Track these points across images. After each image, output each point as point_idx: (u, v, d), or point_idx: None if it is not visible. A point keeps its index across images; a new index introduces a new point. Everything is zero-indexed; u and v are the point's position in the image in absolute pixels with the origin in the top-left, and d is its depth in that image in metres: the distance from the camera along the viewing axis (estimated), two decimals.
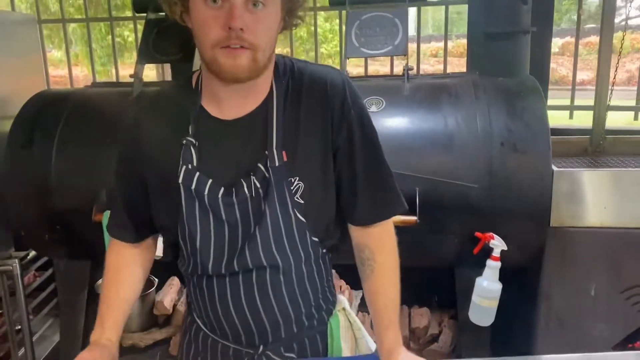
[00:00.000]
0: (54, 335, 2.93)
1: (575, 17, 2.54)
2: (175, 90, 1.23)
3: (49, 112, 2.40)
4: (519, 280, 2.17)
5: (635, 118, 3.12)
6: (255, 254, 1.12)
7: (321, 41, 9.94)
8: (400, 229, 2.01)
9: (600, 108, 2.67)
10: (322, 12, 5.78)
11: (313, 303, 1.22)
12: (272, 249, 1.13)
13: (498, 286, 2.05)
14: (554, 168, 2.08)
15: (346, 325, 1.31)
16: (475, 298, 2.09)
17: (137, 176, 1.19)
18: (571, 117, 3.32)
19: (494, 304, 2.06)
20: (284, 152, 1.10)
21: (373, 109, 2.17)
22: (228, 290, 1.17)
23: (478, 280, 2.08)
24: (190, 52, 2.50)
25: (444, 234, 2.16)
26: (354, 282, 2.62)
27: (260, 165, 1.10)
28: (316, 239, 1.17)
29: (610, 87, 2.60)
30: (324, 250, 1.22)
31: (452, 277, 2.37)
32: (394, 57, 3.27)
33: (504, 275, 2.05)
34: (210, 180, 1.11)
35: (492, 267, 2.05)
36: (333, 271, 2.51)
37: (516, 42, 2.32)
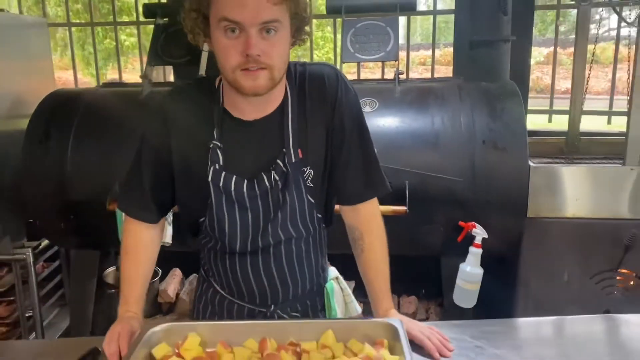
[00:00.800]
0: (61, 323, 3.08)
1: (561, 28, 2.75)
2: (200, 89, 1.34)
3: (64, 109, 2.56)
4: (500, 267, 2.35)
5: (609, 122, 3.35)
6: (275, 232, 1.31)
7: (313, 48, 10.13)
8: (390, 219, 2.22)
9: (575, 112, 2.89)
10: (314, 20, 5.97)
11: (314, 270, 1.42)
12: (288, 226, 1.32)
13: (480, 271, 2.24)
14: (531, 164, 2.28)
15: (338, 291, 1.52)
16: (459, 282, 2.28)
17: (165, 164, 1.31)
18: (550, 120, 3.55)
19: (476, 287, 2.25)
20: (299, 150, 1.27)
21: (367, 109, 2.36)
22: (248, 262, 1.35)
23: (462, 265, 2.27)
24: (196, 56, 2.68)
25: (431, 223, 2.35)
26: (345, 271, 2.79)
27: (279, 161, 1.27)
28: (320, 215, 1.36)
29: (583, 94, 2.82)
30: (323, 225, 1.41)
31: (438, 269, 2.56)
32: (385, 64, 3.48)
33: (486, 263, 2.24)
34: (235, 177, 1.27)
35: (474, 253, 2.24)
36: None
37: (497, 50, 2.53)
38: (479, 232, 2.23)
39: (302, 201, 1.30)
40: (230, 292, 1.42)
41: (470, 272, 2.25)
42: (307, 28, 1.26)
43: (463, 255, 2.28)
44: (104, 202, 2.36)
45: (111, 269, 2.85)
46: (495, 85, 2.46)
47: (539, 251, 2.34)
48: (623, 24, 2.74)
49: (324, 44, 10.10)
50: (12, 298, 2.73)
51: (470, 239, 2.26)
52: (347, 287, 1.56)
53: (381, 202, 2.17)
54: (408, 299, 2.93)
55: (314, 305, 1.45)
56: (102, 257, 2.79)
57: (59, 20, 8.76)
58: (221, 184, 1.27)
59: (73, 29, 4.00)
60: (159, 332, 1.21)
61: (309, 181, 1.30)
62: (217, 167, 1.26)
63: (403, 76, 2.58)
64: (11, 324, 2.78)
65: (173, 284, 3.02)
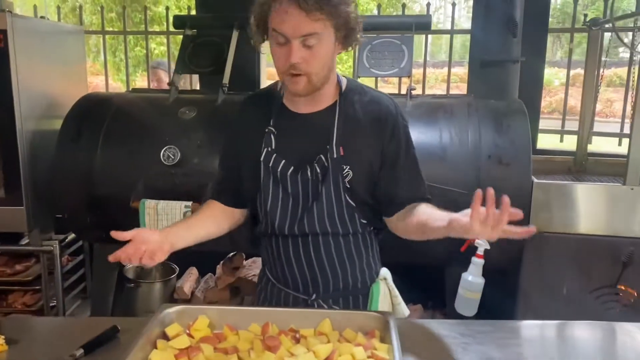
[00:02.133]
0: (82, 314, 3.23)
1: (585, 50, 2.84)
2: (265, 92, 1.63)
3: (95, 111, 2.73)
4: (501, 278, 2.43)
5: (619, 144, 3.42)
6: (312, 223, 1.48)
7: (336, 62, 10.31)
8: None
9: (583, 133, 2.96)
10: None
11: (357, 267, 1.56)
12: (324, 220, 1.48)
13: (481, 280, 2.32)
14: (534, 179, 2.37)
15: (385, 292, 1.63)
16: (461, 290, 2.37)
17: (235, 157, 1.58)
18: (562, 140, 3.62)
19: (477, 296, 2.34)
20: (341, 148, 1.45)
21: None
22: (290, 248, 1.52)
23: (464, 275, 2.36)
24: (220, 66, 2.83)
25: None
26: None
27: (322, 156, 1.45)
28: (364, 221, 1.52)
29: (592, 115, 2.90)
30: (372, 228, 1.57)
31: (443, 279, 2.65)
32: (402, 79, 3.60)
33: (488, 274, 2.33)
34: (283, 161, 1.47)
35: (476, 263, 2.32)
36: None
37: (506, 70, 2.64)
38: (482, 244, 2.32)
39: (339, 199, 1.47)
40: (277, 279, 1.59)
41: (472, 281, 2.33)
42: (356, 37, 1.43)
43: (466, 265, 2.37)
44: (128, 200, 2.52)
45: (131, 265, 3.00)
46: (503, 104, 2.56)
47: (540, 264, 2.42)
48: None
49: (347, 59, 10.30)
50: (38, 287, 2.89)
51: (473, 250, 2.35)
52: (395, 289, 1.66)
53: None
54: (413, 307, 3.02)
55: (356, 301, 1.58)
56: None
57: (93, 27, 9.11)
58: (271, 164, 1.47)
59: (106, 36, 4.21)
60: (172, 313, 1.35)
61: (346, 180, 1.46)
62: (270, 149, 1.48)
63: (417, 92, 2.70)
64: (36, 312, 2.93)
65: (189, 281, 3.16)
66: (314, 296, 1.54)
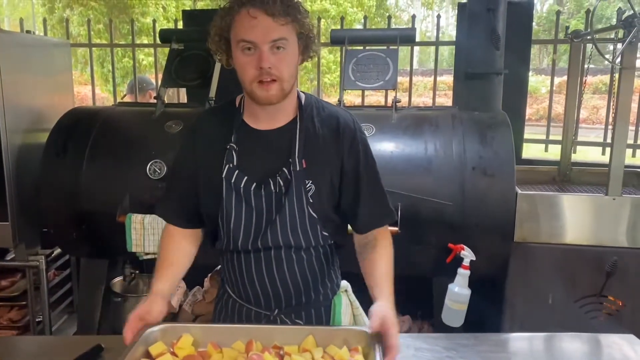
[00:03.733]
0: (69, 329, 3.20)
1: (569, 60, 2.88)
2: (223, 108, 1.59)
3: (81, 125, 2.73)
4: (487, 289, 2.45)
5: (603, 153, 3.46)
6: (275, 236, 1.48)
7: (324, 72, 10.36)
8: None
9: (567, 142, 3.00)
10: (325, 48, 6.18)
11: (319, 280, 1.56)
12: (288, 233, 1.48)
13: (467, 292, 2.34)
14: (518, 190, 2.40)
15: (347, 304, 1.65)
16: (447, 302, 2.38)
17: (192, 174, 1.53)
18: (546, 150, 3.66)
19: (464, 307, 2.35)
20: (303, 160, 1.46)
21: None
22: (252, 263, 1.51)
23: (450, 286, 2.37)
24: (207, 80, 2.84)
25: (422, 244, 2.46)
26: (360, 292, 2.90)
27: (284, 168, 1.46)
28: (326, 234, 1.52)
29: (575, 125, 2.94)
30: (332, 242, 1.56)
31: (430, 289, 2.66)
32: (388, 92, 3.63)
33: (474, 285, 2.34)
34: (246, 177, 1.47)
35: (463, 274, 2.34)
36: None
37: (490, 82, 2.67)
38: (467, 255, 2.34)
39: (302, 211, 1.47)
40: (239, 295, 1.58)
41: (458, 292, 2.35)
42: (314, 47, 1.47)
43: (453, 276, 2.38)
44: (114, 214, 2.51)
45: (118, 279, 2.98)
46: (487, 115, 2.59)
47: (525, 275, 2.44)
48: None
49: (335, 68, 10.34)
50: (24, 303, 2.87)
51: (459, 261, 2.37)
52: (356, 300, 1.68)
53: None
54: (402, 318, 3.02)
55: (318, 315, 1.58)
56: (110, 266, 2.92)
57: (81, 39, 9.09)
58: (233, 180, 1.46)
59: (93, 48, 4.21)
60: (157, 331, 1.35)
61: (309, 194, 1.46)
62: (231, 166, 1.47)
63: (402, 103, 2.72)
64: (22, 328, 2.91)
65: (177, 295, 3.15)
66: (275, 311, 1.54)
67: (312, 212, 1.48)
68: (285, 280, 1.52)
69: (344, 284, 1.68)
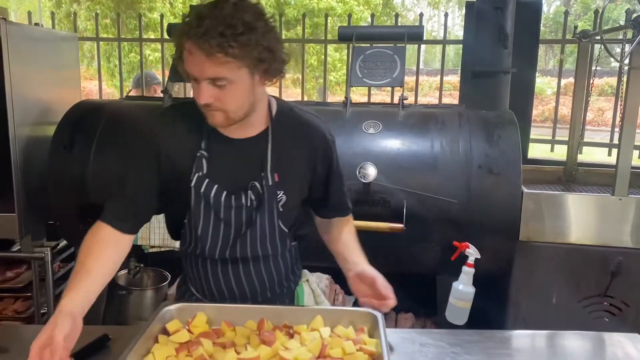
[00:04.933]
0: None
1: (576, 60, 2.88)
2: (190, 109, 1.41)
3: (88, 119, 2.74)
4: (491, 287, 2.45)
5: (609, 154, 3.45)
6: (244, 249, 1.47)
7: (330, 69, 10.36)
8: (388, 236, 2.35)
9: (573, 143, 3.00)
10: (332, 43, 6.18)
11: (284, 276, 1.58)
12: (257, 246, 1.48)
13: (472, 290, 2.34)
14: (524, 189, 2.39)
15: (309, 292, 1.68)
16: (451, 299, 2.38)
17: (150, 177, 1.41)
18: (552, 150, 3.65)
19: (468, 305, 2.35)
20: (276, 174, 1.43)
21: (371, 131, 2.51)
22: (219, 270, 1.51)
23: (454, 284, 2.37)
24: None
25: (427, 242, 2.46)
26: (347, 287, 2.90)
27: (256, 182, 1.42)
28: (294, 243, 1.56)
29: (582, 125, 2.93)
30: (293, 243, 1.59)
31: (434, 287, 2.66)
32: (394, 88, 3.63)
33: (478, 283, 2.34)
34: (216, 186, 1.41)
35: (467, 272, 2.34)
36: (328, 276, 2.81)
37: (497, 80, 2.66)
38: (472, 253, 2.34)
39: (272, 226, 1.46)
40: (203, 295, 1.57)
41: (462, 290, 2.35)
42: (279, 67, 1.34)
43: (457, 274, 2.38)
44: None
45: (123, 272, 2.99)
46: (494, 114, 2.59)
47: (530, 274, 2.44)
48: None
49: (341, 66, 10.35)
50: (29, 294, 2.88)
51: (463, 259, 2.37)
52: (318, 289, 1.71)
53: (379, 219, 2.31)
54: (405, 315, 3.02)
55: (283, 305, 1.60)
56: None
57: (88, 33, 9.11)
58: (202, 190, 1.41)
59: (100, 42, 4.22)
60: (173, 310, 1.38)
61: (279, 205, 1.45)
62: (201, 174, 1.40)
63: (409, 101, 2.72)
64: (26, 319, 2.92)
65: None
66: None
67: (282, 226, 1.48)
68: (252, 283, 1.53)
69: (305, 273, 1.72)
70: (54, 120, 2.81)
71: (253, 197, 1.42)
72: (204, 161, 1.40)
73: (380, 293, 1.38)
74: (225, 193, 1.41)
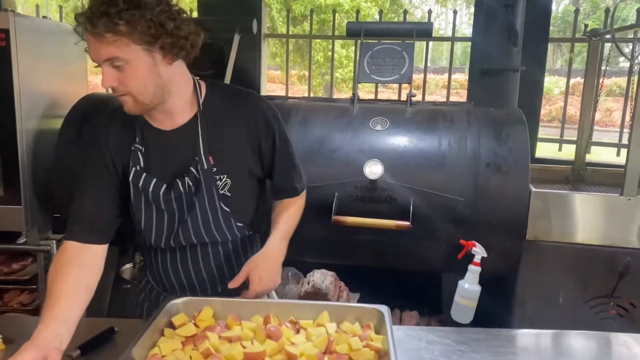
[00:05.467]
0: None
1: (585, 59, 2.86)
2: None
3: (95, 112, 2.74)
4: (497, 286, 2.43)
5: (617, 154, 3.43)
6: (187, 235, 1.47)
7: (336, 66, 10.33)
8: (394, 233, 2.34)
9: (582, 142, 2.98)
10: (339, 40, 6.16)
11: (235, 270, 1.54)
12: (201, 231, 1.47)
13: (477, 288, 2.32)
14: (532, 188, 2.38)
15: None
16: (457, 298, 2.36)
17: (106, 179, 1.43)
18: (560, 149, 3.63)
19: (473, 304, 2.34)
20: (210, 157, 1.42)
21: (378, 127, 2.49)
22: (168, 259, 1.52)
23: (460, 282, 2.35)
24: (221, 69, 2.84)
25: (433, 240, 2.45)
26: (351, 284, 2.90)
27: (192, 168, 1.42)
28: (241, 224, 1.52)
29: (590, 125, 2.91)
30: (250, 232, 1.57)
31: (439, 286, 2.65)
32: (402, 86, 3.61)
33: (484, 282, 2.33)
34: (154, 180, 1.41)
35: (473, 271, 2.32)
36: (333, 273, 2.80)
37: (506, 78, 2.65)
38: (479, 251, 2.32)
39: (214, 208, 1.45)
40: (157, 284, 1.59)
41: (468, 289, 2.33)
42: (181, 42, 1.30)
43: (463, 272, 2.37)
44: None
45: (128, 266, 3.00)
46: (503, 112, 2.57)
47: (536, 273, 2.42)
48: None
49: (347, 63, 10.31)
50: (34, 286, 2.89)
51: (470, 257, 2.35)
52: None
53: (385, 217, 2.30)
54: (410, 313, 3.01)
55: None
56: (120, 253, 2.94)
57: None
58: (140, 184, 1.41)
59: None
60: (179, 304, 1.38)
61: (225, 190, 1.45)
62: (138, 168, 1.41)
63: (417, 98, 2.71)
64: (31, 311, 2.92)
65: None
66: None
67: (224, 207, 1.46)
68: (200, 273, 1.53)
69: None
70: (61, 114, 2.81)
71: (190, 183, 1.41)
72: (140, 155, 1.41)
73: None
74: (164, 186, 1.41)
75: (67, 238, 1.37)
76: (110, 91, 4.10)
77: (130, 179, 1.41)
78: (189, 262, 1.52)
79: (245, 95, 1.51)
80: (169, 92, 1.36)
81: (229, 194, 1.45)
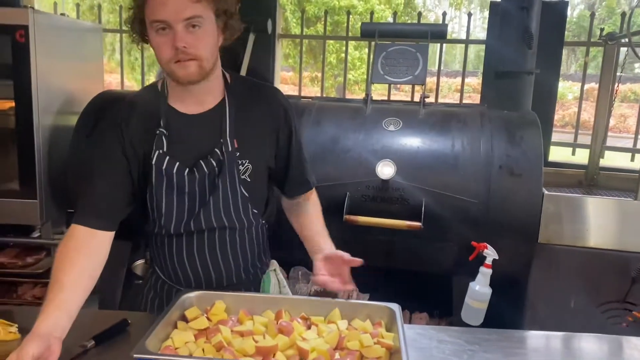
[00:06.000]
0: (89, 307, 3.23)
1: (599, 64, 2.84)
2: (147, 93, 1.51)
3: (110, 108, 2.76)
4: (508, 289, 2.43)
5: (632, 159, 3.40)
6: (208, 217, 1.47)
7: (349, 68, 10.34)
8: (405, 233, 2.34)
9: (596, 146, 2.96)
10: (352, 41, 6.16)
11: (250, 261, 1.58)
12: (221, 214, 1.48)
13: (488, 290, 2.31)
14: (545, 191, 2.37)
15: (275, 283, 1.68)
16: (467, 300, 2.36)
17: (121, 166, 1.43)
18: (574, 153, 3.61)
19: (484, 306, 2.33)
20: (235, 140, 1.45)
21: (391, 128, 2.50)
22: (184, 245, 1.52)
23: (471, 284, 2.35)
24: (236, 70, 2.86)
25: (445, 241, 2.44)
26: (361, 285, 2.90)
27: (216, 149, 1.44)
28: (256, 211, 1.55)
29: (605, 130, 2.89)
30: (263, 222, 1.60)
31: (450, 288, 2.65)
32: (415, 87, 3.61)
33: (495, 284, 2.33)
34: (177, 163, 1.43)
35: (484, 273, 2.31)
36: None
37: (521, 81, 2.64)
38: (490, 253, 2.32)
39: (235, 192, 1.46)
40: (169, 277, 1.57)
41: (479, 291, 2.33)
42: (235, 25, 1.42)
43: (474, 274, 2.36)
44: None
45: (140, 261, 3.02)
46: (516, 115, 2.56)
47: (548, 276, 2.41)
48: None
49: (360, 65, 10.33)
50: (47, 280, 2.90)
51: (481, 259, 2.35)
52: (284, 280, 1.72)
53: (397, 217, 2.31)
54: (420, 315, 3.01)
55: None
56: (132, 248, 2.96)
57: (110, 25, 9.19)
58: (164, 167, 1.42)
59: (123, 35, 4.26)
60: (192, 297, 1.39)
61: (246, 175, 1.48)
62: (162, 152, 1.42)
63: (430, 100, 2.71)
64: None
65: None
66: None
67: (244, 191, 1.48)
68: (216, 261, 1.53)
69: (273, 262, 1.72)
70: (77, 110, 2.85)
71: (214, 164, 1.43)
72: (164, 139, 1.42)
73: (345, 276, 1.45)
74: (187, 170, 1.43)
75: (76, 222, 1.38)
76: (124, 86, 4.14)
77: (153, 162, 1.42)
78: (206, 248, 1.52)
79: (266, 87, 1.57)
80: (213, 69, 1.41)
81: (249, 180, 1.48)
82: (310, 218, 1.64)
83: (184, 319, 1.34)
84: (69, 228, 1.40)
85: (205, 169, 1.43)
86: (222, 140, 1.44)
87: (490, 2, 3.24)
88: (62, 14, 3.51)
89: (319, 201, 1.69)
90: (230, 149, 1.43)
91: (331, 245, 1.55)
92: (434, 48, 4.59)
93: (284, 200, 1.69)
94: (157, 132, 1.42)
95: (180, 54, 1.31)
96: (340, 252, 1.47)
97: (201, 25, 1.32)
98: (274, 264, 1.71)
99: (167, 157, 1.42)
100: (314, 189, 1.68)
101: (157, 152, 1.42)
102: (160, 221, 1.48)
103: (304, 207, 1.66)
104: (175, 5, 1.29)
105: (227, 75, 1.51)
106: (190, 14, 1.30)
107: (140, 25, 1.38)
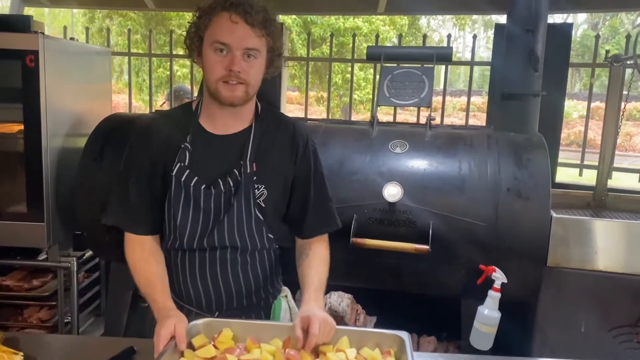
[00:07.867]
0: (95, 332, 3.23)
1: (606, 83, 2.84)
2: (180, 111, 1.67)
3: (119, 131, 2.78)
4: (517, 313, 2.40)
5: None
6: (221, 236, 1.52)
7: (354, 88, 10.41)
8: (413, 257, 2.32)
9: (603, 168, 2.94)
10: (357, 64, 6.22)
11: (262, 285, 1.60)
12: (234, 234, 1.52)
13: (497, 314, 2.29)
14: (553, 214, 2.35)
15: (286, 309, 1.69)
16: (476, 324, 2.34)
17: (150, 176, 1.55)
18: (580, 174, 3.59)
19: (493, 331, 2.30)
20: (254, 164, 1.52)
21: (397, 150, 2.50)
22: (197, 263, 1.55)
23: (480, 308, 2.33)
24: None
25: (453, 264, 2.42)
26: (369, 307, 2.88)
27: (235, 170, 1.51)
28: (271, 236, 1.58)
29: (612, 150, 2.88)
30: (277, 246, 1.63)
31: (458, 311, 2.62)
32: (420, 109, 3.62)
33: (504, 308, 2.30)
34: (196, 177, 1.51)
35: (493, 297, 2.29)
36: (350, 295, 2.78)
37: (527, 103, 2.64)
38: (499, 277, 2.30)
39: (249, 213, 1.52)
40: (179, 296, 1.59)
41: (487, 315, 2.30)
42: (278, 64, 1.57)
43: (483, 298, 2.34)
44: None
45: None
46: (523, 137, 2.56)
47: (558, 300, 2.38)
48: None
49: (365, 85, 10.40)
50: (54, 303, 2.91)
51: (490, 283, 2.32)
52: (295, 307, 1.70)
53: (404, 240, 2.29)
54: (427, 338, 2.98)
55: (258, 319, 1.61)
56: None
57: (118, 48, 9.32)
58: (183, 179, 1.50)
59: (131, 57, 4.31)
60: (199, 325, 1.40)
61: (261, 200, 1.52)
62: (183, 165, 1.50)
63: (436, 122, 2.71)
64: (50, 328, 2.95)
65: None
66: (216, 314, 1.57)
67: (258, 214, 1.53)
68: (228, 282, 1.55)
69: (285, 289, 1.73)
70: (85, 133, 2.86)
71: (231, 184, 1.50)
72: (187, 153, 1.51)
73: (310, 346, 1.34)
74: (204, 185, 1.50)
75: (138, 233, 1.57)
76: (132, 106, 4.17)
77: (173, 173, 1.50)
78: (218, 266, 1.55)
79: (293, 121, 1.66)
80: (252, 99, 1.55)
81: (263, 205, 1.53)
82: (309, 272, 1.58)
83: (190, 347, 1.33)
84: (131, 238, 1.58)
85: (222, 187, 1.50)
86: (242, 162, 1.51)
87: (495, 24, 3.26)
88: (72, 38, 3.56)
89: (328, 252, 1.67)
90: (248, 171, 1.50)
91: (315, 303, 1.47)
92: (439, 68, 4.62)
93: (298, 242, 1.68)
94: (182, 146, 1.52)
95: (233, 77, 1.44)
96: (313, 322, 1.35)
97: (256, 57, 1.47)
98: (286, 290, 1.71)
99: (188, 171, 1.50)
100: (326, 238, 1.68)
101: (178, 164, 1.51)
102: (175, 233, 1.53)
103: (308, 257, 1.63)
104: (241, 34, 1.43)
105: (259, 105, 1.61)
106: (251, 45, 1.45)
107: (198, 41, 1.50)
